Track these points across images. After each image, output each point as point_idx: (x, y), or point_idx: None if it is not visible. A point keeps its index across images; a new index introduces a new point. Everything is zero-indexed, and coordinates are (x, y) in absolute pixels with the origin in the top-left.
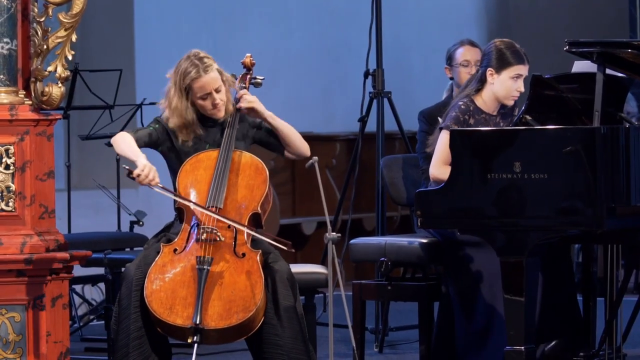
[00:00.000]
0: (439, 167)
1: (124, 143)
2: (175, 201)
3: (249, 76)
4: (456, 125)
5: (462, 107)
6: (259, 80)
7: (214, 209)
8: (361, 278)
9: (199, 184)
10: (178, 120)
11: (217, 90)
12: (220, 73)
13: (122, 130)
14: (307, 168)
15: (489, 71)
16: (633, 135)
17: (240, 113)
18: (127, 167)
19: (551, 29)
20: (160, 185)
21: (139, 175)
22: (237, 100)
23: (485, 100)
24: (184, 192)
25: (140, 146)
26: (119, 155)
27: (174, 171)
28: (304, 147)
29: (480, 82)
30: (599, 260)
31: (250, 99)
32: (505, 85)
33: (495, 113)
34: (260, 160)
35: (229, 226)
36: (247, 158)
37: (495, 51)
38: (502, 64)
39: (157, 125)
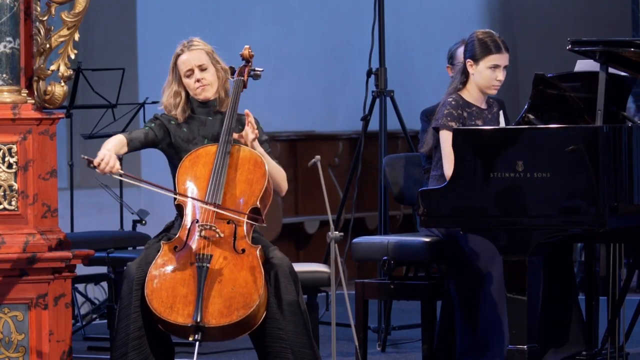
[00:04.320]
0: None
1: (107, 144)
2: (174, 198)
3: (247, 68)
4: (452, 121)
5: (452, 102)
6: (258, 72)
7: (212, 205)
8: (364, 277)
9: (197, 180)
10: (167, 96)
11: (202, 69)
12: (210, 55)
13: (124, 129)
14: (310, 167)
15: (469, 62)
16: (635, 134)
17: (236, 114)
18: (86, 157)
19: (554, 28)
20: (122, 172)
21: (99, 165)
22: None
23: (472, 93)
24: (182, 188)
25: (136, 147)
26: None
27: (174, 167)
28: (282, 187)
29: (464, 74)
30: (602, 259)
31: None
32: (484, 75)
33: (484, 107)
34: (259, 154)
35: (228, 222)
36: (245, 152)
37: (472, 42)
38: (479, 55)
39: (152, 124)
